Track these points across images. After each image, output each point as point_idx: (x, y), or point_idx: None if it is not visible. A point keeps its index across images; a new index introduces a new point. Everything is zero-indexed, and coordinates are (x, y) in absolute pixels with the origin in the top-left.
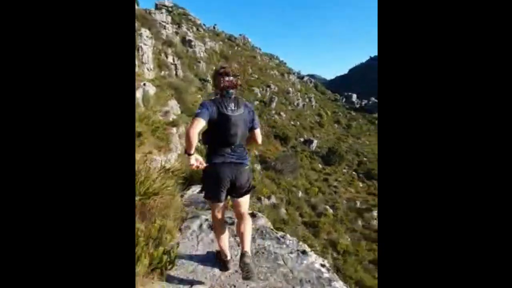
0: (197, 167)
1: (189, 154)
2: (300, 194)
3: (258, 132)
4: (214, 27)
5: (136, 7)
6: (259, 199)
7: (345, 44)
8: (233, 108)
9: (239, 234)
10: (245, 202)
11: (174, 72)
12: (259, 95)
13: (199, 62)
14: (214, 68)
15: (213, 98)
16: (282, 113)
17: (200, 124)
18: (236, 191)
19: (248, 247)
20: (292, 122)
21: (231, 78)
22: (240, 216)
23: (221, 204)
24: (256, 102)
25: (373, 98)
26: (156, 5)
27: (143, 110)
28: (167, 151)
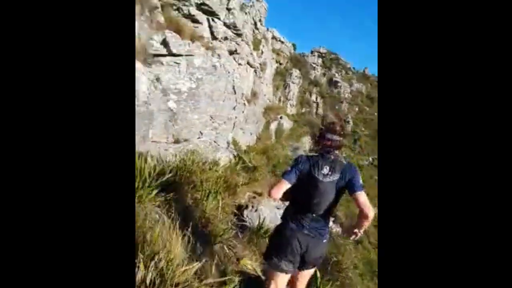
0: None
1: None
2: None
3: (361, 197)
4: (364, 70)
5: (292, 51)
6: None
7: None
8: (326, 172)
9: None
10: (307, 275)
11: (315, 110)
12: None
13: (342, 102)
14: (357, 108)
15: (311, 154)
16: None
17: (285, 187)
18: (303, 264)
19: None
20: None
21: (336, 137)
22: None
23: (281, 276)
24: None
25: None
26: (312, 51)
27: (273, 142)
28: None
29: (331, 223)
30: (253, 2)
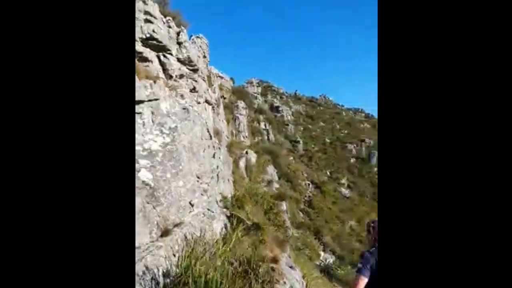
0: None
1: None
2: None
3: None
4: (295, 93)
5: (232, 84)
6: None
7: None
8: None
9: None
10: None
11: (266, 137)
12: (354, 151)
13: (287, 125)
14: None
15: (370, 250)
16: None
17: (364, 283)
18: None
19: None
20: None
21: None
22: None
23: None
24: (353, 160)
25: None
26: (247, 82)
27: (247, 181)
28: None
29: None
30: (193, 39)
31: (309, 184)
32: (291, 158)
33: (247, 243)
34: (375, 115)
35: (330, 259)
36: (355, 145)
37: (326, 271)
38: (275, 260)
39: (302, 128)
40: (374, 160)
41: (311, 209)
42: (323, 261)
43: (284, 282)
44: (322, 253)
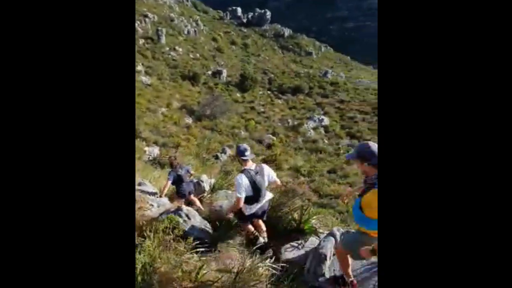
0: None
1: None
2: (243, 133)
3: None
4: None
5: None
6: (215, 157)
7: None
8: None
9: None
10: None
11: None
12: (140, 30)
13: None
14: None
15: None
16: (177, 47)
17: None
18: None
19: None
20: (192, 55)
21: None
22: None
23: None
24: (142, 41)
25: (257, 9)
26: None
27: None
28: None
29: None
30: None
31: None
32: None
33: None
34: None
35: None
36: (138, 22)
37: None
38: None
39: None
40: (164, 39)
41: None
42: None
43: None
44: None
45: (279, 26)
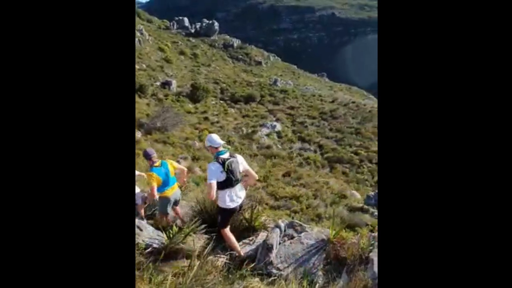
0: None
1: None
2: (197, 144)
3: None
4: None
5: None
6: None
7: None
8: None
9: None
10: None
11: None
12: None
13: None
14: None
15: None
16: None
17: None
18: None
19: None
20: (138, 66)
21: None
22: None
23: None
24: None
25: (205, 20)
26: None
27: None
28: None
29: None
30: None
31: None
32: None
33: None
34: None
35: None
36: None
37: None
38: None
39: None
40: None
41: None
42: None
43: None
44: None
45: (228, 36)
